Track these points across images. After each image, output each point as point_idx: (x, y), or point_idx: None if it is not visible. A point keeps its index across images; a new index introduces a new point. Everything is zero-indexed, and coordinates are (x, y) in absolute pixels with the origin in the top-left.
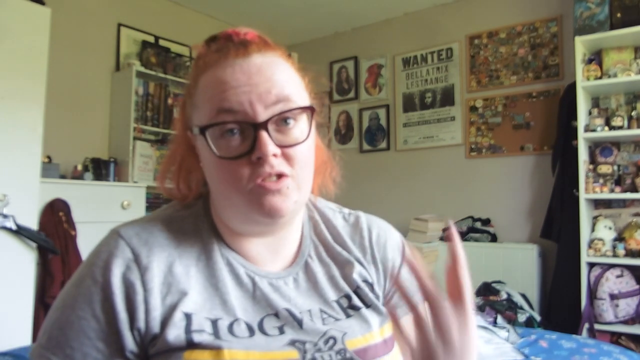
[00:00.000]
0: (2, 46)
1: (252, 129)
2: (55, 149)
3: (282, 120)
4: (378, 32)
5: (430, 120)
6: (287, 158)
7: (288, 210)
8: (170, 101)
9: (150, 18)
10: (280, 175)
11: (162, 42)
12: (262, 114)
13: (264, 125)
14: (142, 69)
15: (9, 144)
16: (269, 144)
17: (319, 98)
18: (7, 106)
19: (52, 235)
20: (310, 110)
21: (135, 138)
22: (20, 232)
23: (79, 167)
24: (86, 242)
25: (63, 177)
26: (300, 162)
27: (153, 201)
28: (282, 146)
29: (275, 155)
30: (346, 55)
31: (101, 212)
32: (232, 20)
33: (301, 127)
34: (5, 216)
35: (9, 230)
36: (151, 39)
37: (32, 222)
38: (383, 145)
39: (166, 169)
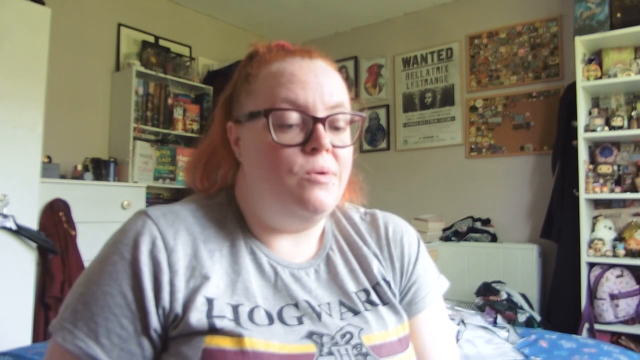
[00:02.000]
0: (2, 46)
1: (310, 122)
2: (55, 149)
3: (334, 125)
4: (378, 32)
5: (430, 120)
6: (335, 157)
7: (329, 206)
8: (170, 101)
9: (150, 18)
10: (327, 172)
11: (162, 42)
12: (322, 112)
13: (323, 120)
14: (142, 69)
15: (9, 144)
16: (326, 137)
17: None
18: (7, 106)
19: (52, 235)
20: (362, 118)
21: (135, 138)
22: (20, 232)
23: (79, 167)
24: (86, 242)
25: (63, 177)
26: (344, 164)
27: (153, 201)
28: (333, 145)
29: (327, 150)
30: (346, 55)
31: (101, 212)
32: (232, 20)
33: (347, 134)
34: (5, 216)
35: (9, 230)
36: (151, 39)
37: (32, 222)
38: (383, 145)
39: (195, 162)
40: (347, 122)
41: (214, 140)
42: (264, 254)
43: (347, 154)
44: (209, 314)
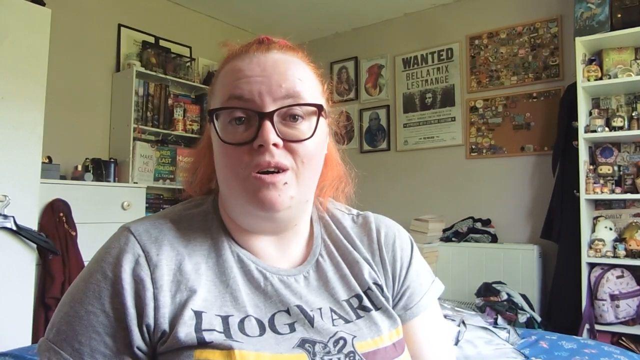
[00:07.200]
0: (2, 46)
1: (257, 117)
2: (56, 149)
3: (290, 115)
4: (378, 33)
5: (431, 121)
6: (290, 151)
7: (283, 205)
8: (170, 102)
9: (151, 18)
10: (279, 169)
11: (162, 43)
12: (270, 106)
13: (269, 115)
14: (143, 70)
15: (9, 144)
16: (270, 133)
17: (337, 106)
18: (7, 106)
19: (52, 235)
20: (317, 108)
21: (135, 138)
22: (21, 232)
23: (79, 168)
24: (86, 243)
25: (63, 177)
26: (303, 158)
27: (153, 202)
28: (286, 140)
29: (276, 145)
30: (346, 56)
31: (101, 212)
32: (232, 20)
33: (309, 125)
34: (5, 217)
35: (9, 230)
36: (151, 40)
37: (32, 223)
38: (383, 145)
39: (196, 165)
40: (308, 114)
41: (201, 141)
42: (252, 261)
43: (306, 148)
44: (198, 328)
